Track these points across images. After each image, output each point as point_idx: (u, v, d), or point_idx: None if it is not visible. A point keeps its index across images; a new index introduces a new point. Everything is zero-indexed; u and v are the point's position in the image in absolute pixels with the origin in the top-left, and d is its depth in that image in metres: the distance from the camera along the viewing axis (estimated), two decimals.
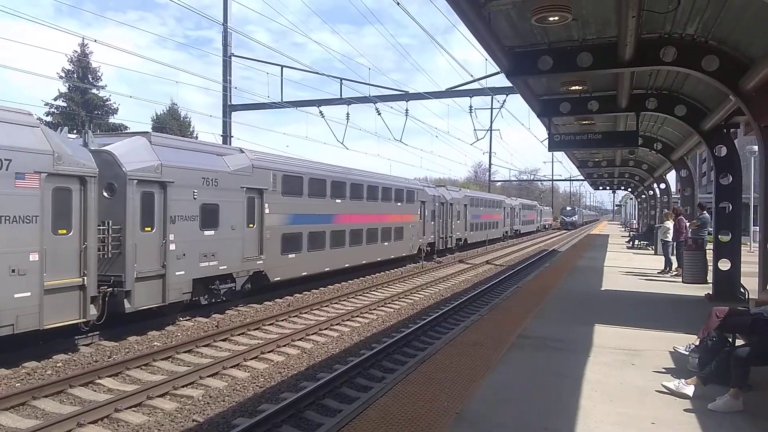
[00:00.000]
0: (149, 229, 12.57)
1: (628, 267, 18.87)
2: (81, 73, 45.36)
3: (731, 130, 13.48)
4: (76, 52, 44.23)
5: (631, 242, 31.05)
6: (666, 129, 18.00)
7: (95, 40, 32.57)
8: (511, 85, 15.97)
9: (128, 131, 27.62)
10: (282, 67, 23.74)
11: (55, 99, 44.65)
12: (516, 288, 14.59)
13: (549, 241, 52.12)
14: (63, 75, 44.90)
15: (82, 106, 44.01)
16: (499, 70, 10.99)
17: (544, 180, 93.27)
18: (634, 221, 50.61)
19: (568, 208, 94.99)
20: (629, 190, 48.92)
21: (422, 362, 6.94)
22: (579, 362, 7.11)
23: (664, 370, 6.74)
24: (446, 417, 5.22)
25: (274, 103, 24.25)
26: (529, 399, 5.75)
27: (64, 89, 44.70)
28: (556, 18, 7.86)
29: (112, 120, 45.31)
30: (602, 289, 14.05)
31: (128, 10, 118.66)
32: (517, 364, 7.02)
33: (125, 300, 11.88)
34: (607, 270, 17.89)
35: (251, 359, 10.93)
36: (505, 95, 23.71)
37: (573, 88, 12.67)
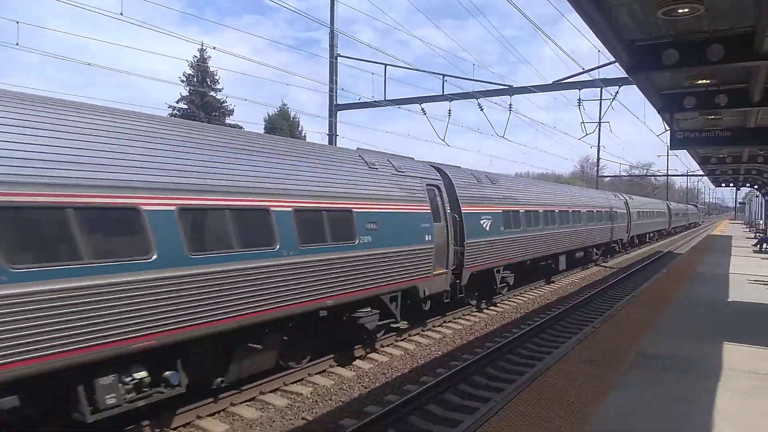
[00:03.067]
0: None
1: (757, 275, 17.21)
2: (200, 77, 48.19)
3: None
4: (195, 57, 47.04)
5: (758, 245, 28.42)
6: None
7: (214, 47, 34.27)
8: (624, 75, 15.07)
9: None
10: (385, 65, 23.78)
11: (178, 101, 47.85)
12: (631, 296, 13.73)
13: (661, 243, 48.94)
14: (184, 79, 47.98)
15: (202, 108, 46.80)
16: (610, 60, 10.32)
17: (658, 175, 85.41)
18: (761, 222, 46.07)
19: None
20: (755, 187, 44.73)
21: (533, 380, 6.65)
22: (708, 387, 6.52)
23: None
24: None
25: (377, 101, 24.39)
26: (653, 430, 5.33)
27: (185, 92, 47.83)
28: (686, 10, 7.22)
29: (228, 121, 47.81)
30: (729, 300, 12.89)
31: (244, 14, 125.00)
32: (638, 388, 6.52)
33: None
34: (733, 278, 16.41)
35: (357, 358, 11.06)
36: (617, 86, 22.34)
37: (699, 81, 11.68)
